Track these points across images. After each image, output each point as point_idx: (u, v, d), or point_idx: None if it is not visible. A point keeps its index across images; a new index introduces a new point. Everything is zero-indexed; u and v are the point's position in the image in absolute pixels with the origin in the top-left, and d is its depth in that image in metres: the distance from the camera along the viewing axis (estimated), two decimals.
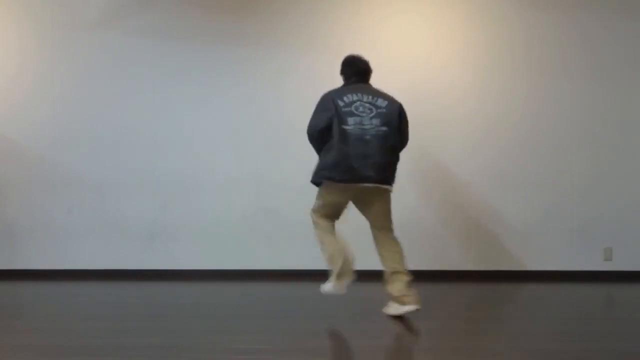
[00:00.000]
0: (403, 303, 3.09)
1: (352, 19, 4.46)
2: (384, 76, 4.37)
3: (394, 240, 3.21)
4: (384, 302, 3.57)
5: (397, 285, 3.11)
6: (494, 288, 4.18)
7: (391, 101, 3.17)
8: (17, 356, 2.61)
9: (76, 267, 4.48)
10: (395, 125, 3.12)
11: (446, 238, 4.43)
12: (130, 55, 4.51)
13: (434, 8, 4.46)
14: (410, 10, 4.46)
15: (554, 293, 4.04)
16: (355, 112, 3.06)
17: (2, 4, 4.55)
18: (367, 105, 3.10)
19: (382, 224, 3.20)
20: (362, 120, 3.05)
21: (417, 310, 3.06)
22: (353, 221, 3.26)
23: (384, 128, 3.07)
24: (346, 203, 3.19)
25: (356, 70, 3.28)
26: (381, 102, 3.14)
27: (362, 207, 3.21)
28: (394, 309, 3.14)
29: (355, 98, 3.11)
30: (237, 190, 4.46)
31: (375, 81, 4.42)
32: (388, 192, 3.17)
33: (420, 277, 4.28)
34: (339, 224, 3.27)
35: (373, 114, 3.08)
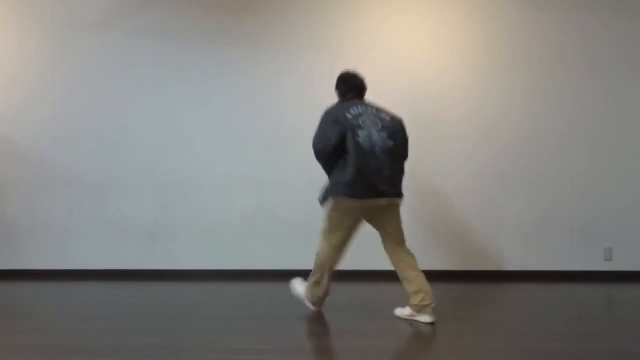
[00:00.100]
0: (423, 313, 3.14)
1: (352, 19, 4.46)
2: (384, 76, 4.41)
3: (410, 254, 3.22)
4: (383, 302, 3.57)
5: (419, 295, 3.13)
6: (494, 288, 4.18)
7: (392, 116, 3.16)
8: (17, 356, 2.61)
9: (76, 267, 4.48)
10: (399, 139, 3.11)
11: (446, 238, 4.43)
12: (130, 55, 4.51)
13: (434, 8, 4.46)
14: (410, 10, 4.45)
15: (554, 293, 4.04)
16: (363, 125, 3.00)
17: (2, 4, 4.55)
18: (373, 118, 3.06)
19: (397, 239, 3.20)
20: (370, 134, 3.00)
21: (432, 323, 3.11)
22: None
23: (391, 142, 3.03)
24: (358, 225, 3.16)
25: (352, 86, 3.26)
26: (384, 116, 3.12)
27: (377, 223, 3.21)
28: (407, 314, 3.21)
29: (360, 111, 3.07)
30: (237, 190, 4.46)
31: (375, 81, 4.42)
32: (399, 205, 3.18)
33: None
34: None
35: (379, 127, 3.03)
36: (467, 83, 4.43)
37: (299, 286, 3.38)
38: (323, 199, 3.10)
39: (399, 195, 3.12)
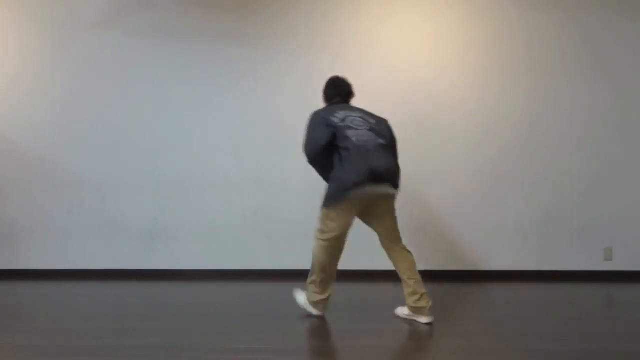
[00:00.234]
0: (420, 314, 3.13)
1: (352, 19, 4.46)
2: (384, 76, 4.41)
3: (407, 251, 3.20)
4: (383, 302, 3.57)
5: (414, 296, 3.12)
6: (494, 288, 4.18)
7: (378, 119, 3.19)
8: (17, 356, 2.61)
9: (76, 267, 4.48)
10: (389, 138, 3.14)
11: (445, 238, 4.43)
12: (130, 55, 4.51)
13: (434, 8, 4.46)
14: (410, 10, 4.46)
15: (554, 293, 4.04)
16: (352, 125, 3.03)
17: (2, 4, 4.55)
18: (359, 120, 3.09)
19: (393, 235, 3.19)
20: (360, 134, 3.02)
21: (430, 324, 3.10)
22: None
23: (381, 140, 3.07)
24: (352, 221, 3.14)
25: (339, 92, 3.28)
26: (370, 119, 3.14)
27: (372, 219, 3.18)
28: (407, 314, 3.21)
29: (346, 114, 3.10)
30: (237, 190, 4.47)
31: (375, 81, 4.44)
32: (394, 199, 3.17)
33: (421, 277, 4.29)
34: None
35: (367, 127, 3.07)
36: (467, 83, 4.43)
37: (301, 296, 3.35)
38: (329, 204, 3.06)
39: (396, 185, 3.11)
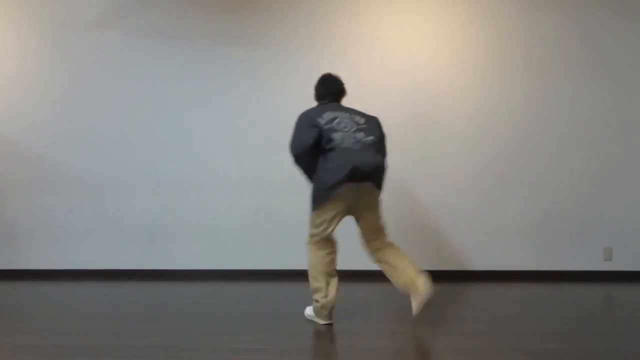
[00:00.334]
0: (418, 292, 2.97)
1: (351, 19, 4.46)
2: (384, 76, 4.41)
3: (393, 244, 3.15)
4: (383, 302, 3.57)
5: (409, 274, 3.02)
6: (494, 288, 4.18)
7: (368, 118, 3.16)
8: (17, 356, 2.61)
9: (76, 267, 4.48)
10: (378, 135, 3.12)
11: (446, 238, 4.43)
12: (130, 55, 4.51)
13: (434, 8, 4.46)
14: (410, 10, 4.46)
15: (554, 293, 4.04)
16: (337, 128, 3.03)
17: (2, 4, 4.55)
18: (347, 121, 3.08)
19: (377, 228, 3.14)
20: (346, 136, 3.02)
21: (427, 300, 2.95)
22: (346, 221, 3.25)
23: (370, 137, 3.06)
24: (342, 215, 3.11)
25: (330, 90, 3.25)
26: (359, 119, 3.12)
27: (357, 215, 3.15)
28: (416, 302, 3.01)
29: (333, 115, 3.08)
30: (237, 190, 4.47)
31: (375, 81, 4.44)
32: (378, 196, 3.14)
33: None
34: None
35: (355, 128, 3.06)
36: (467, 83, 4.43)
37: (308, 309, 3.31)
38: (314, 207, 3.09)
39: (379, 184, 3.09)
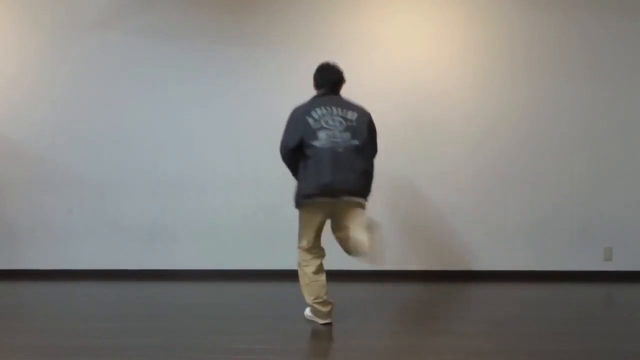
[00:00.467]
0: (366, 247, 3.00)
1: (351, 19, 4.46)
2: (384, 76, 4.41)
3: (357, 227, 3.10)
4: (383, 302, 3.57)
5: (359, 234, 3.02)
6: (494, 288, 4.18)
7: (361, 113, 3.14)
8: (17, 356, 2.61)
9: (76, 267, 4.48)
10: (365, 138, 3.09)
11: (446, 238, 4.43)
12: (130, 55, 4.51)
13: (434, 8, 4.46)
14: (410, 10, 4.45)
15: (554, 293, 4.04)
16: (325, 126, 3.03)
17: (2, 4, 4.55)
18: (337, 118, 3.06)
19: (346, 224, 3.11)
20: (333, 134, 3.02)
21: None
22: None
23: (355, 141, 3.04)
24: (325, 219, 3.14)
25: (327, 80, 3.22)
26: (351, 115, 3.10)
27: (335, 220, 3.15)
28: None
29: (325, 112, 3.07)
30: (237, 190, 4.46)
31: (375, 81, 4.44)
32: (362, 205, 3.12)
33: (420, 277, 4.30)
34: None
35: (343, 127, 3.05)
36: (467, 83, 4.43)
37: (307, 310, 3.31)
38: (296, 205, 3.13)
39: (361, 194, 3.09)
